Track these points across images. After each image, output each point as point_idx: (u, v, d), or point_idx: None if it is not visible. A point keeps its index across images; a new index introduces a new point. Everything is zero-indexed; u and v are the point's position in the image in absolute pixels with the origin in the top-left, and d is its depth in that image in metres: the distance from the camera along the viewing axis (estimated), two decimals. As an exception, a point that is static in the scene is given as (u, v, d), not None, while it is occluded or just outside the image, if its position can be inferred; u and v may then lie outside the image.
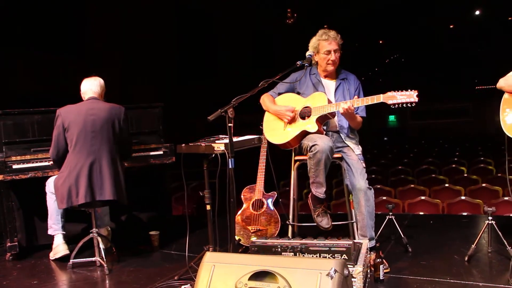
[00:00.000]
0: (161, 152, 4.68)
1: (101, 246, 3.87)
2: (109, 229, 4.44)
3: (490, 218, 3.63)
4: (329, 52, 3.63)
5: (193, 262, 3.58)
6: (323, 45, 3.62)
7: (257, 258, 2.59)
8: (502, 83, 3.46)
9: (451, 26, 19.42)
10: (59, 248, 4.09)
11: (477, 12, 17.93)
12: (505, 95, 3.43)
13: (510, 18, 17.98)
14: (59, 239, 4.12)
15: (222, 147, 3.28)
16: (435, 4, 15.45)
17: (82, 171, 3.74)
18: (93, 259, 3.91)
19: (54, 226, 4.12)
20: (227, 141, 3.08)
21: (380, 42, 20.70)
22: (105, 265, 3.78)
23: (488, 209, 3.61)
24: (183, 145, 3.64)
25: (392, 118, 19.72)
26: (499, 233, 3.57)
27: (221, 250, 3.64)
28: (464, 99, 17.97)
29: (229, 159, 2.98)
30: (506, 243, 3.53)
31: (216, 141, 3.45)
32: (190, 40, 12.67)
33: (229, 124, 2.95)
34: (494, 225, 3.62)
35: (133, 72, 10.93)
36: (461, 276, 3.32)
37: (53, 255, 4.14)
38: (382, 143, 15.49)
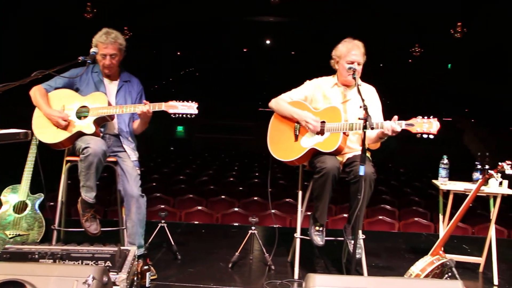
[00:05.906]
0: None
1: None
2: None
3: (253, 228, 3.95)
4: (104, 56, 3.49)
5: None
6: (100, 47, 3.47)
7: (6, 266, 2.36)
8: (273, 104, 3.66)
9: (244, 50, 20.84)
10: None
11: (268, 42, 19.69)
12: (273, 117, 3.69)
13: (293, 52, 20.20)
14: None
15: (-23, 140, 2.88)
16: (232, 26, 16.39)
17: None
18: None
19: None
20: (-15, 133, 2.72)
21: (178, 53, 21.07)
22: None
23: (252, 219, 3.92)
24: None
25: (180, 128, 20.09)
26: (260, 241, 3.91)
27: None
28: (248, 118, 19.33)
29: (-15, 154, 2.64)
30: (264, 250, 3.91)
31: (-29, 132, 3.01)
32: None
33: (-11, 114, 2.62)
34: (256, 234, 3.95)
35: None
36: (224, 282, 3.54)
37: None
38: (168, 153, 15.64)
